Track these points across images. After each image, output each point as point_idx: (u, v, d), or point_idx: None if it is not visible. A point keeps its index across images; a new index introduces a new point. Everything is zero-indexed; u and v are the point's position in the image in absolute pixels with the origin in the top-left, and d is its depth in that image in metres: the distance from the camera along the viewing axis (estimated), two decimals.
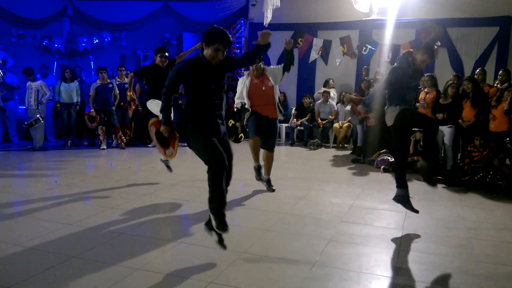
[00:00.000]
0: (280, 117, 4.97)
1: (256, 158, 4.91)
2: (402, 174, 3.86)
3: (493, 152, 5.45)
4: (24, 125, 7.67)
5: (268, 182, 4.98)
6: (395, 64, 3.88)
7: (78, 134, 8.59)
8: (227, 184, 3.12)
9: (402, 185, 3.83)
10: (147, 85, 5.50)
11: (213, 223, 2.96)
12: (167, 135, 3.20)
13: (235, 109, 4.96)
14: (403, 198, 3.83)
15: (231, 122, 4.91)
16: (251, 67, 4.76)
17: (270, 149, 4.89)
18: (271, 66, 4.95)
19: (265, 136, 4.82)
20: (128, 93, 6.01)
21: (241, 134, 5.01)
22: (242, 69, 8.23)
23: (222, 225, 2.91)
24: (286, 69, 4.63)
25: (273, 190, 4.93)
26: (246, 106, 4.79)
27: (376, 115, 6.95)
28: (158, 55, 5.21)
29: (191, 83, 3.04)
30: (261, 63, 4.72)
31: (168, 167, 5.24)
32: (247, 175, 5.20)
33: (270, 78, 4.77)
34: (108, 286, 2.61)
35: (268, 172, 4.98)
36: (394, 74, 3.77)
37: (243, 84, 4.84)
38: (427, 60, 3.73)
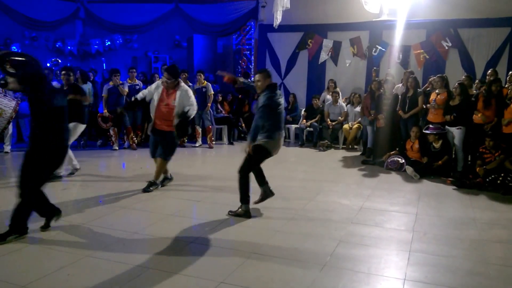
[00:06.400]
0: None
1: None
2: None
3: (504, 153, 5.39)
4: None
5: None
6: None
7: (90, 135, 8.70)
8: None
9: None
10: None
11: None
12: None
13: (133, 99, 5.26)
14: None
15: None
16: (163, 79, 4.94)
17: (161, 156, 5.01)
18: (188, 91, 5.01)
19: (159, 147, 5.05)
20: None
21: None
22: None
23: None
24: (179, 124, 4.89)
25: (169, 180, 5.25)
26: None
27: (386, 116, 6.92)
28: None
29: None
30: (171, 80, 4.87)
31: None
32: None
33: (177, 97, 4.90)
34: (120, 285, 2.65)
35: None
36: None
37: (156, 87, 5.02)
38: None
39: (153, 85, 5.14)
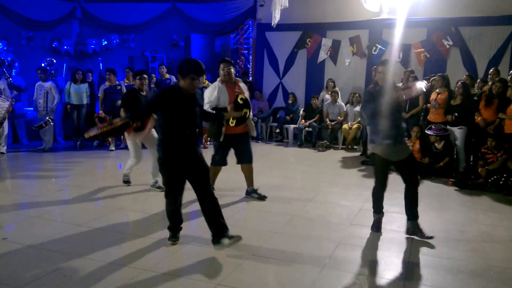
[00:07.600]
0: (253, 133, 4.61)
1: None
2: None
3: (507, 154, 5.33)
4: (34, 127, 7.73)
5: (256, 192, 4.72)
6: None
7: None
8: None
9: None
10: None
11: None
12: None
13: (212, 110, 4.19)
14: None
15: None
16: (222, 72, 4.36)
17: (249, 161, 4.61)
18: (242, 83, 4.58)
19: (240, 152, 4.55)
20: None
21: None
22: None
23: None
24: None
25: (265, 198, 4.66)
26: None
27: None
28: (137, 77, 4.87)
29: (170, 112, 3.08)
30: (231, 67, 4.37)
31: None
32: (254, 177, 5.15)
33: (242, 87, 4.48)
34: (117, 287, 2.60)
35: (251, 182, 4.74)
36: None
37: (215, 89, 4.32)
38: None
39: (213, 91, 4.34)
